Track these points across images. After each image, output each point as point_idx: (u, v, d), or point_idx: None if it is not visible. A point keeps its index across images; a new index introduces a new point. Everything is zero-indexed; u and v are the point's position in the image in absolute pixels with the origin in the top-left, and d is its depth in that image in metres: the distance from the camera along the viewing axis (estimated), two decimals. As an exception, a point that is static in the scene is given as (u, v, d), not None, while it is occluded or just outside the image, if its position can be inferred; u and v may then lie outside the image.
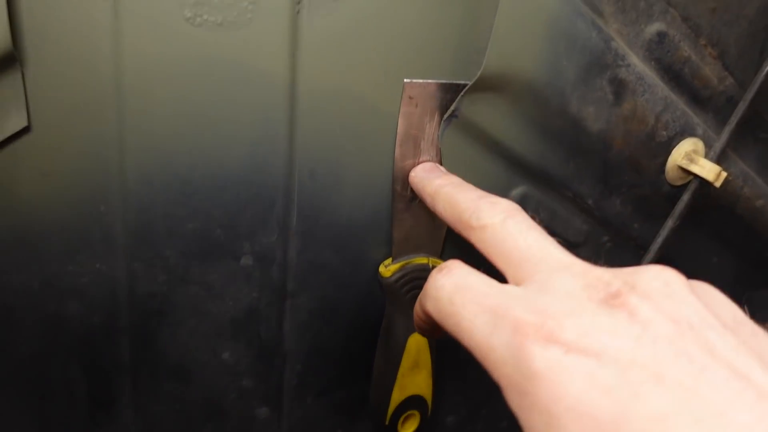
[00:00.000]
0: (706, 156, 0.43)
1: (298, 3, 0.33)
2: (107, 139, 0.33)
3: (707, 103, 0.45)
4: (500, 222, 0.29)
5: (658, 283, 0.24)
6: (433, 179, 0.37)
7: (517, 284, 0.26)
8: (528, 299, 0.24)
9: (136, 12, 0.31)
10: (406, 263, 0.42)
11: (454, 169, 0.40)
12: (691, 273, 0.51)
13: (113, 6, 0.30)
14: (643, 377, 0.19)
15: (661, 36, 0.41)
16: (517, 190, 0.43)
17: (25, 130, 0.32)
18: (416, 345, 0.44)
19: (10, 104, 0.30)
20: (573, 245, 0.47)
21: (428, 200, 0.36)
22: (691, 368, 0.19)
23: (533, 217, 0.28)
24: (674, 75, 0.42)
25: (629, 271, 0.25)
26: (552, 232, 0.45)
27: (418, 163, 0.39)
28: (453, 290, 0.27)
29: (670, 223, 0.42)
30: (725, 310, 0.24)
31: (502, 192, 0.42)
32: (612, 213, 0.46)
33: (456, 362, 0.48)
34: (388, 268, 0.42)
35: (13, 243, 0.34)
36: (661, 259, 0.49)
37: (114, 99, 0.32)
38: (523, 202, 0.43)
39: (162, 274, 0.37)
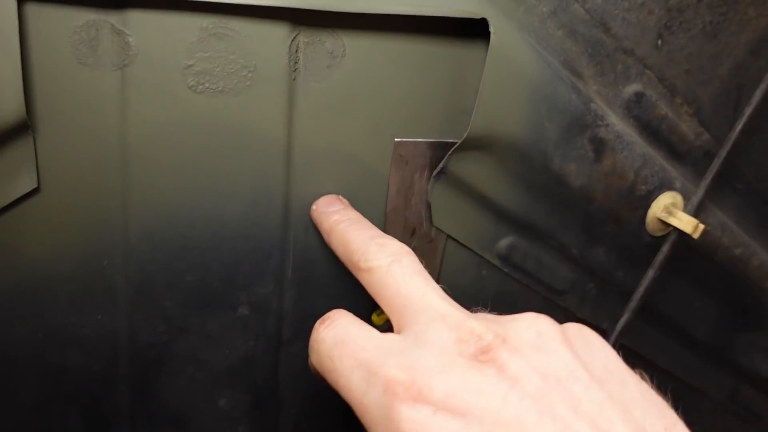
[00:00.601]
0: (685, 209, 0.45)
1: (294, 70, 0.35)
2: (112, 199, 0.35)
3: (685, 157, 0.47)
4: (386, 266, 0.29)
5: (530, 333, 0.24)
6: (330, 214, 0.36)
7: (399, 331, 0.26)
8: (402, 353, 0.24)
9: (142, 81, 0.33)
10: (398, 312, 0.43)
11: (443, 222, 0.42)
12: (674, 317, 0.53)
13: (121, 77, 0.32)
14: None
15: (638, 96, 0.43)
16: (505, 240, 0.45)
17: (35, 191, 0.33)
18: (407, 391, 0.45)
19: (22, 167, 0.32)
20: (560, 292, 0.49)
21: (324, 236, 0.36)
22: (554, 427, 0.20)
23: (523, 262, 0.29)
24: (652, 132, 0.44)
25: (505, 321, 0.25)
26: (539, 280, 0.47)
27: (409, 216, 0.41)
28: (332, 344, 0.27)
29: (651, 273, 0.44)
30: (597, 357, 0.24)
31: (491, 242, 0.44)
32: (596, 262, 0.48)
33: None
34: (380, 317, 0.43)
35: (19, 297, 0.35)
36: (644, 306, 0.51)
37: (119, 162, 0.34)
38: (511, 252, 0.45)
39: (161, 325, 0.39)
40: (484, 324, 0.25)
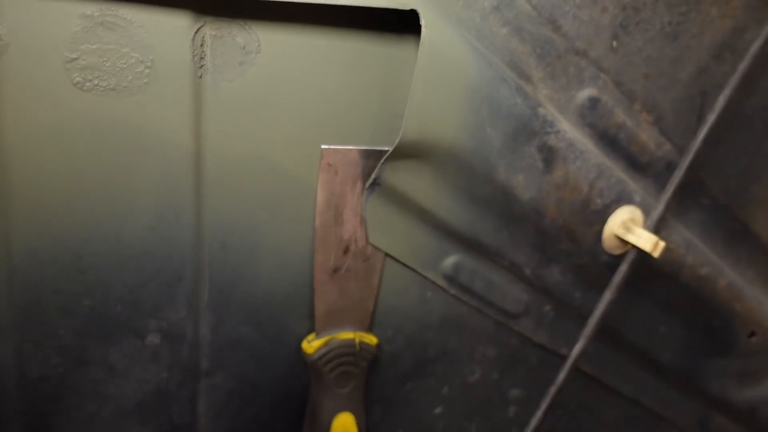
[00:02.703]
0: (644, 225, 0.41)
1: (200, 67, 0.31)
2: (-11, 210, 0.30)
3: (646, 169, 0.43)
4: None
5: None
6: None
7: None
8: None
9: (17, 75, 0.29)
10: (331, 339, 0.39)
11: (380, 239, 0.38)
12: (639, 341, 0.49)
13: (-7, 69, 0.28)
14: None
15: (593, 102, 0.39)
16: (450, 259, 0.41)
17: None
18: (343, 426, 0.41)
19: None
20: (513, 316, 0.45)
21: None
22: None
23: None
24: (609, 141, 0.41)
25: None
26: (490, 302, 0.43)
27: (341, 232, 0.37)
28: None
29: (608, 295, 0.40)
30: None
31: (434, 261, 0.40)
32: (551, 282, 0.44)
33: (390, 443, 0.44)
34: (311, 344, 0.39)
35: None
36: (605, 329, 0.47)
37: (-4, 168, 0.30)
38: (457, 271, 0.41)
39: (55, 356, 0.34)
40: None
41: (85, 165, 0.31)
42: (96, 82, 0.29)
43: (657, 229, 0.40)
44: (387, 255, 0.39)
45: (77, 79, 0.29)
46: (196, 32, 0.30)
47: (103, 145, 0.31)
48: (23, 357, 0.34)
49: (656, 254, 0.39)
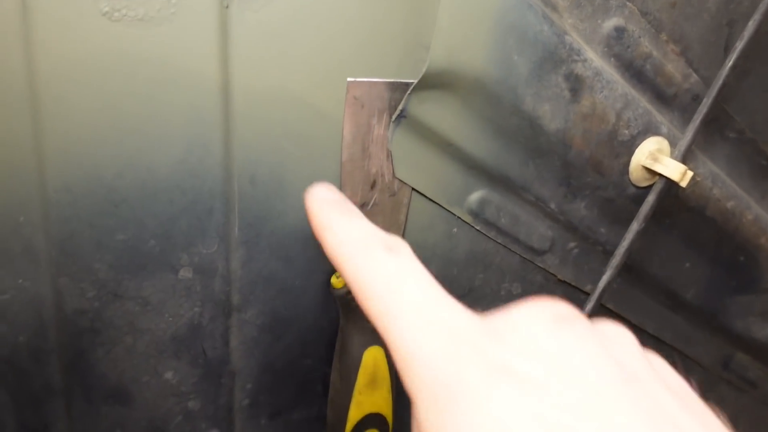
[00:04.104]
0: (672, 155, 0.41)
1: (227, -4, 0.31)
2: (23, 145, 0.31)
3: (672, 101, 0.43)
4: None
5: (610, 328, 0.22)
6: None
7: None
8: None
9: (47, 7, 0.29)
10: (359, 273, 0.40)
11: (406, 173, 0.38)
12: (663, 278, 0.49)
13: (22, 2, 0.28)
14: (579, 410, 0.17)
15: (619, 31, 0.39)
16: (476, 194, 0.41)
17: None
18: (373, 360, 0.41)
19: None
20: (538, 252, 0.45)
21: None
22: (634, 412, 0.18)
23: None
24: (635, 72, 0.40)
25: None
26: (515, 238, 0.43)
27: (368, 167, 0.37)
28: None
29: (635, 226, 0.40)
30: (673, 379, 0.22)
31: (460, 196, 0.40)
32: (577, 217, 0.44)
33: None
34: (339, 279, 0.40)
35: (-77, 258, 0.32)
36: (630, 265, 0.47)
37: (28, 102, 0.30)
38: (483, 207, 0.41)
39: (91, 289, 0.35)
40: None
41: (114, 97, 0.31)
42: (124, 12, 0.29)
43: (684, 160, 0.40)
44: (413, 190, 0.39)
45: (105, 8, 0.29)
46: (221, -40, 0.30)
47: (132, 77, 0.31)
48: (60, 292, 0.34)
49: (684, 184, 0.39)
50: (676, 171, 0.39)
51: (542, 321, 0.21)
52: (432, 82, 0.34)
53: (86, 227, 0.33)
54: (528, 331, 0.20)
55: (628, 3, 0.39)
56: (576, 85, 0.37)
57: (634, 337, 0.23)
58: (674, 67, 0.42)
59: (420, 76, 0.34)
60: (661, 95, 0.42)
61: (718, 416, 0.22)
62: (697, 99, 0.43)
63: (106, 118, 0.31)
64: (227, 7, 0.31)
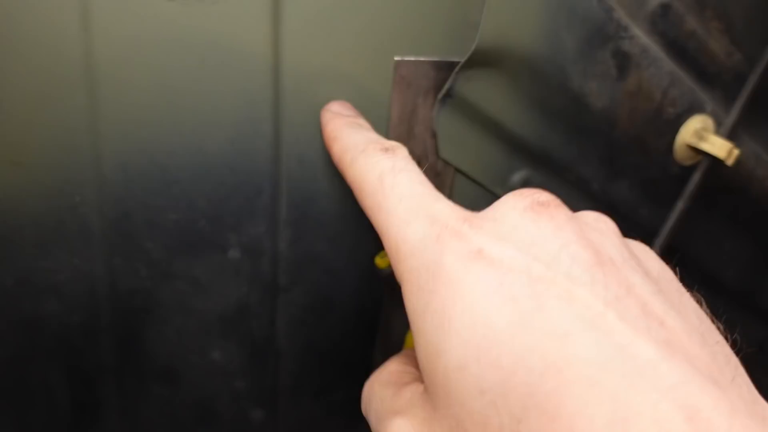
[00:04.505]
0: (717, 133, 0.41)
1: (279, -25, 0.31)
2: (79, 125, 0.31)
3: (715, 79, 0.43)
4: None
5: (590, 216, 0.23)
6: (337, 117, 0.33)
7: None
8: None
9: (104, -14, 0.29)
10: (403, 254, 0.40)
11: (451, 153, 0.38)
12: (702, 258, 0.49)
13: (80, -19, 0.29)
14: (551, 293, 0.18)
15: (664, 8, 0.39)
16: (519, 174, 0.41)
17: (-10, 117, 0.30)
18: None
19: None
20: (578, 233, 0.45)
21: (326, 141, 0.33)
22: (605, 295, 0.18)
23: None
24: (679, 50, 0.40)
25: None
26: (556, 219, 0.43)
27: (413, 147, 0.37)
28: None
29: (681, 205, 0.40)
30: (653, 264, 0.23)
31: (503, 176, 0.40)
32: (619, 198, 0.44)
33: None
34: (384, 259, 0.40)
35: (-17, 238, 0.32)
36: (671, 246, 0.47)
37: (84, 83, 0.30)
38: (525, 187, 0.41)
39: (144, 269, 0.35)
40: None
41: (169, 77, 0.31)
42: (180, -10, 0.30)
43: (730, 138, 0.40)
44: (457, 170, 0.39)
45: (162, -12, 0.29)
46: (274, -62, 0.30)
47: (186, 56, 0.31)
48: (113, 272, 0.35)
49: (730, 162, 0.39)
50: (722, 149, 0.39)
51: (521, 208, 0.22)
52: (479, 61, 0.34)
53: (140, 207, 0.34)
54: (506, 217, 0.21)
55: (673, -20, 0.38)
56: (623, 62, 0.37)
57: (614, 223, 0.24)
58: (718, 45, 0.42)
59: (468, 54, 0.34)
60: (704, 74, 0.42)
61: (700, 304, 0.22)
62: (739, 78, 0.43)
63: (161, 98, 0.32)
64: (279, -15, 0.31)
